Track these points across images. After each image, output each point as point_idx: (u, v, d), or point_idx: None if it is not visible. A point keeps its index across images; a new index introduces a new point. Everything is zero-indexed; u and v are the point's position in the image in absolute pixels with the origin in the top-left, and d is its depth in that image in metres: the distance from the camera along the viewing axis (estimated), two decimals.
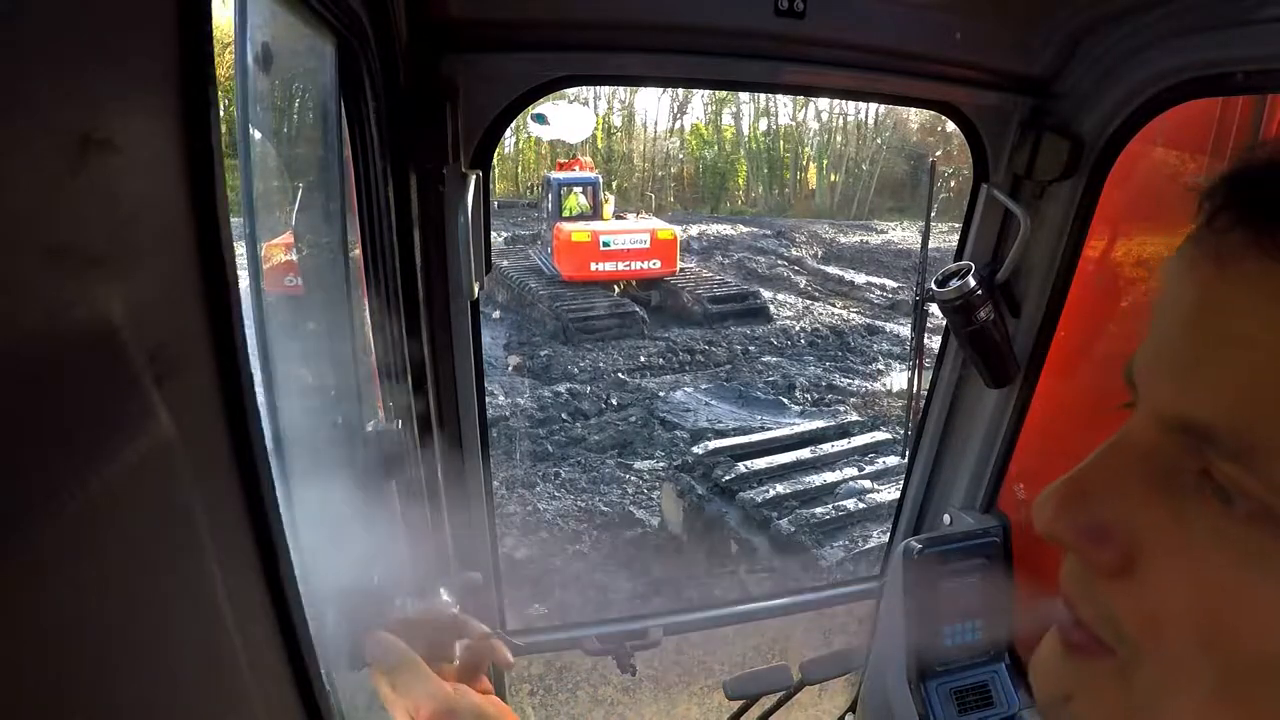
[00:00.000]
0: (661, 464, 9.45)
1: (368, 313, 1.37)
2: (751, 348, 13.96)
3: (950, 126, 1.77)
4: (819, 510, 7.37)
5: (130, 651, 0.39)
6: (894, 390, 11.64)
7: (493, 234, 1.70)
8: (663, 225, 17.23)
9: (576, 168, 19.18)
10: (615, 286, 16.04)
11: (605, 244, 15.82)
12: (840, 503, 7.49)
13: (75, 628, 0.34)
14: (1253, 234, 0.31)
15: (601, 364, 13.01)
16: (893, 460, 8.05)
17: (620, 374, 12.56)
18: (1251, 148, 0.35)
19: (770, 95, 29.95)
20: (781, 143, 36.35)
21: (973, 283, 1.79)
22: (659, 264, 16.14)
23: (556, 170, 19.60)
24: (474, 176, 1.43)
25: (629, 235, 16.14)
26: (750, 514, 7.55)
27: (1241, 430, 0.30)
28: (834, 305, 17.02)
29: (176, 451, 0.42)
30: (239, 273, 0.50)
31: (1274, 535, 0.29)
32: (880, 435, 9.09)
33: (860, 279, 19.00)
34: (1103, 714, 0.35)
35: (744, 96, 33.91)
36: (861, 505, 7.41)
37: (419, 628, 0.77)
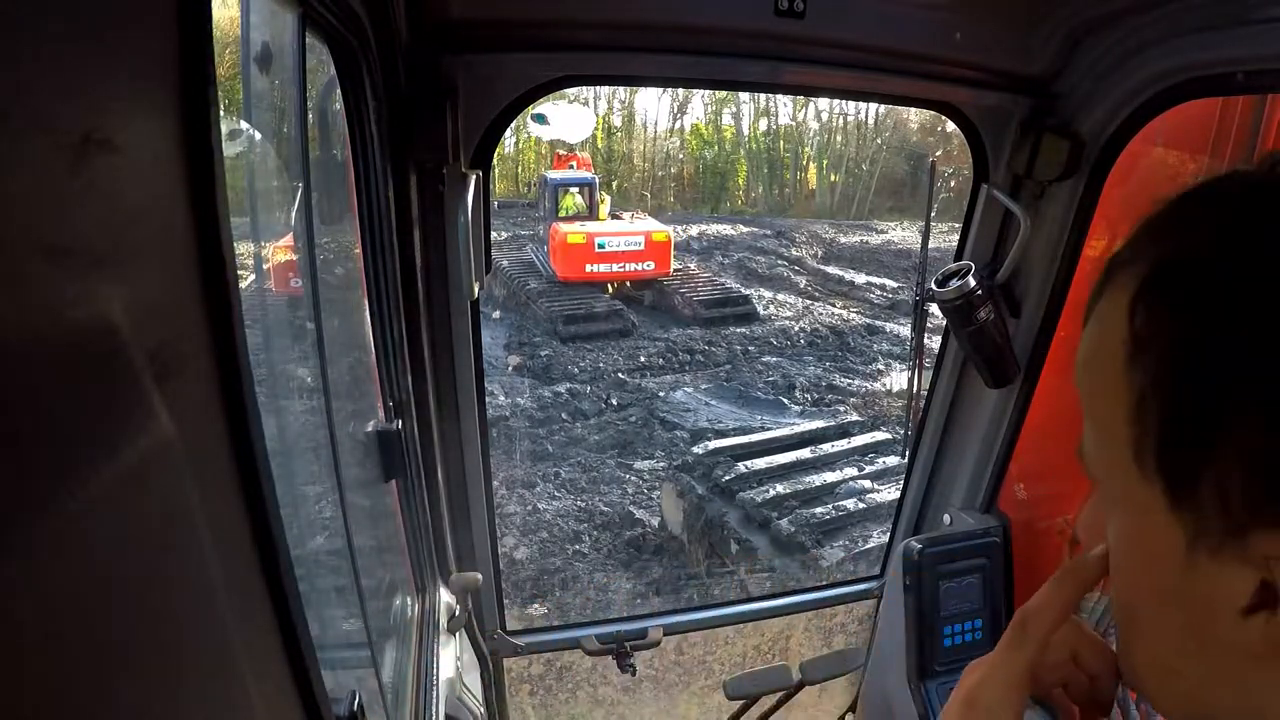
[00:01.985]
0: (662, 464, 9.45)
1: (368, 312, 1.37)
2: (751, 348, 13.97)
3: (950, 126, 1.77)
4: (819, 510, 7.38)
5: (130, 651, 0.39)
6: (894, 390, 11.64)
7: (492, 233, 1.70)
8: (657, 227, 17.28)
9: (573, 164, 19.20)
10: (609, 287, 16.10)
11: (600, 246, 15.89)
12: (840, 503, 7.50)
13: (75, 627, 0.34)
14: None
15: (602, 364, 13.02)
16: (893, 460, 8.05)
17: (620, 374, 12.56)
18: None
19: (770, 95, 29.96)
20: (781, 143, 36.31)
21: (973, 283, 1.79)
22: (653, 265, 16.23)
23: (554, 167, 19.63)
24: (474, 176, 1.43)
25: (624, 238, 16.22)
26: (750, 514, 7.56)
27: None
28: (834, 305, 17.02)
29: (176, 451, 0.42)
30: (239, 272, 0.50)
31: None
32: (880, 435, 9.10)
33: (860, 279, 18.99)
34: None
35: (744, 96, 33.88)
36: (861, 505, 7.42)
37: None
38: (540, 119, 16.46)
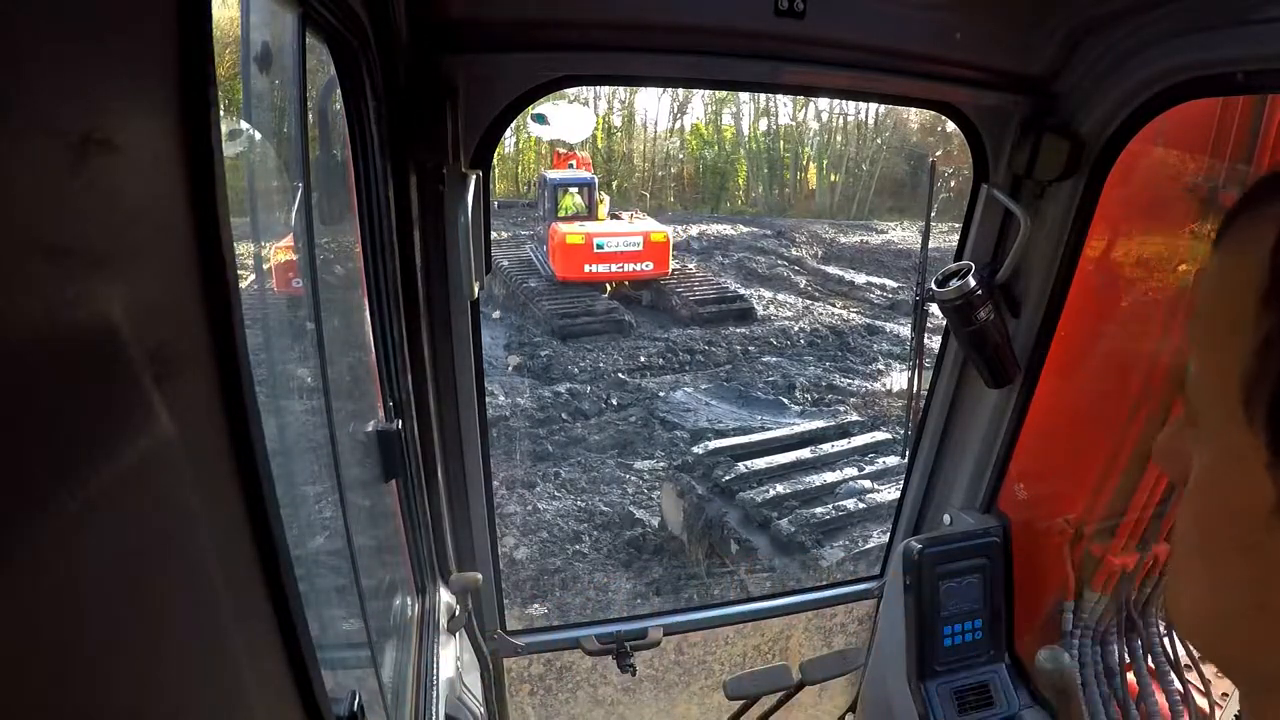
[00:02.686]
0: (662, 464, 9.45)
1: (368, 312, 1.37)
2: (751, 348, 13.97)
3: (950, 126, 1.77)
4: (819, 510, 7.37)
5: (130, 650, 0.39)
6: (894, 390, 11.64)
7: (492, 233, 1.70)
8: (656, 227, 17.29)
9: (572, 164, 19.22)
10: (606, 286, 16.12)
11: (599, 246, 15.91)
12: (840, 503, 7.49)
13: (76, 627, 0.34)
14: None
15: (602, 364, 13.02)
16: (893, 460, 8.05)
17: (620, 374, 12.56)
18: None
19: (770, 95, 29.93)
20: (781, 143, 36.27)
21: (973, 283, 1.79)
22: (652, 265, 16.25)
23: (553, 167, 19.66)
24: (474, 176, 1.43)
25: (623, 238, 16.25)
26: (750, 514, 7.55)
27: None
28: (834, 305, 17.01)
29: (176, 451, 0.42)
30: (239, 272, 0.50)
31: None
32: (880, 435, 9.09)
33: (860, 279, 18.98)
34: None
35: (744, 96, 33.86)
36: (861, 505, 7.42)
37: None
38: (540, 119, 16.46)
